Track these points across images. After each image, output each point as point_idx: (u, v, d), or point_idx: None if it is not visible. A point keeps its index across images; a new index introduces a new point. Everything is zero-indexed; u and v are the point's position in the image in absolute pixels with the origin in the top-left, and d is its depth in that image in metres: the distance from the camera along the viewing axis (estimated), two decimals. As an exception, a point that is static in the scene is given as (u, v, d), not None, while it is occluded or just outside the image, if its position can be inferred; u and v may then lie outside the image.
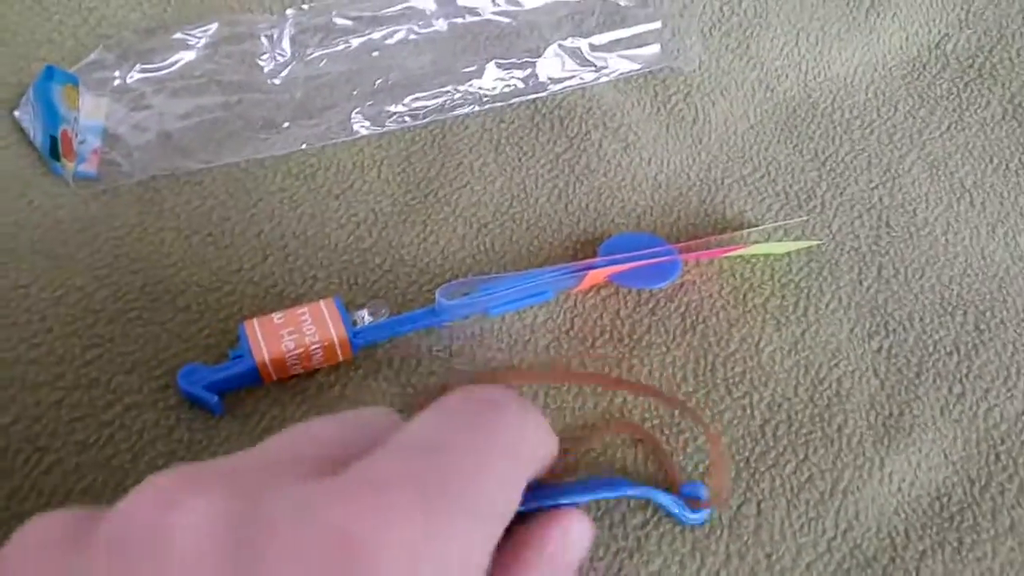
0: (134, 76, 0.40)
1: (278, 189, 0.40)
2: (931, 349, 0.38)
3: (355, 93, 0.41)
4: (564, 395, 0.35)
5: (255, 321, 0.33)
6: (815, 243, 0.40)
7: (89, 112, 0.38)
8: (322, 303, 0.34)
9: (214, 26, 0.41)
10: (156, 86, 0.40)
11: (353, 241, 0.39)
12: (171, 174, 0.39)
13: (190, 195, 0.39)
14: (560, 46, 0.43)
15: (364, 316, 0.35)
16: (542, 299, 0.37)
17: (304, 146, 0.40)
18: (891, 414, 0.36)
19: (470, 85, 0.42)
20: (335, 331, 0.33)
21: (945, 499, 0.34)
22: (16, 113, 0.39)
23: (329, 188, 0.40)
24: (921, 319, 0.39)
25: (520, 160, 0.42)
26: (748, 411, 0.35)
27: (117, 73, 0.40)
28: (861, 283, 0.39)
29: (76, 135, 0.37)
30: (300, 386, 0.34)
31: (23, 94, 0.40)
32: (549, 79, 0.42)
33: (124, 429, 0.33)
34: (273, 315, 0.33)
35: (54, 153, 0.38)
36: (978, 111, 0.46)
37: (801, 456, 0.34)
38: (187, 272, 0.37)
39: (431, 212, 0.40)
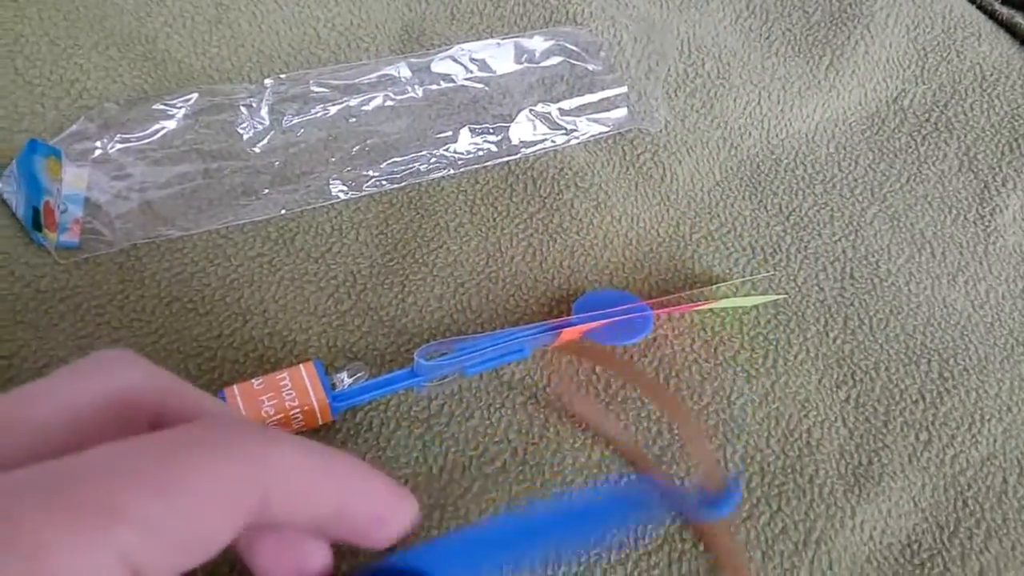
0: (115, 146, 0.41)
1: (257, 254, 0.41)
2: (897, 398, 0.39)
3: (333, 159, 0.42)
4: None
5: (235, 388, 0.34)
6: (780, 297, 0.41)
7: (70, 182, 0.39)
8: (302, 367, 0.35)
9: (194, 96, 0.42)
10: (137, 155, 0.41)
11: (332, 304, 0.39)
12: (152, 242, 0.40)
13: (171, 262, 0.40)
14: (531, 111, 0.44)
15: (344, 379, 0.36)
16: (519, 357, 0.38)
17: (283, 211, 0.41)
18: (860, 463, 0.37)
19: (445, 149, 0.43)
20: (315, 396, 0.34)
21: (915, 546, 0.35)
22: (-2, 185, 0.40)
23: (308, 252, 0.41)
24: (887, 368, 0.40)
25: (495, 220, 0.43)
26: (722, 463, 0.36)
27: (99, 143, 0.41)
28: (827, 334, 0.41)
29: (58, 206, 0.38)
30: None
31: (5, 166, 0.41)
32: (521, 142, 0.44)
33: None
34: (253, 381, 0.34)
35: (36, 224, 0.39)
36: (936, 163, 0.47)
37: (775, 507, 0.35)
38: (168, 339, 0.37)
39: (409, 273, 0.41)
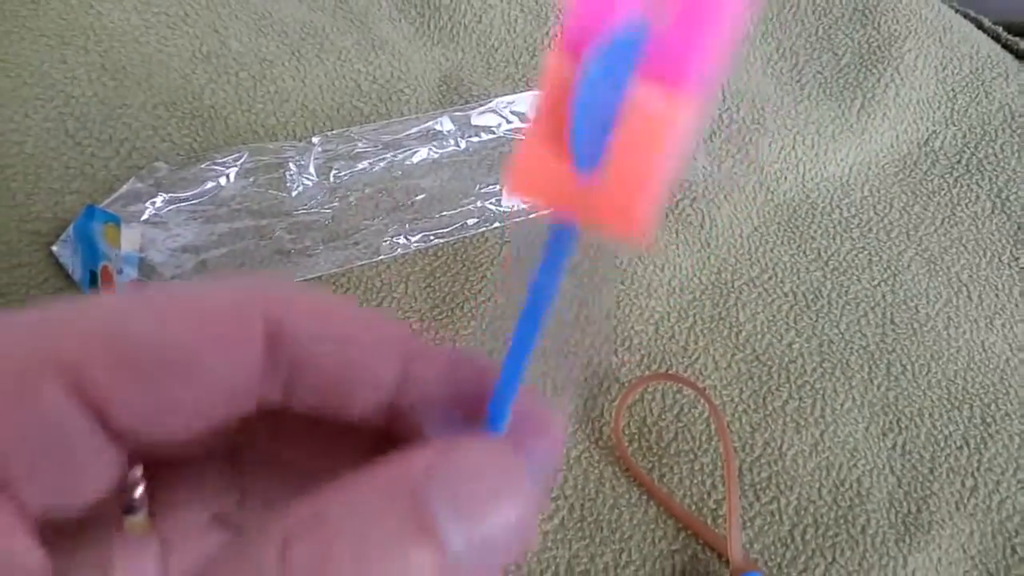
0: (167, 206, 0.42)
1: (310, 311, 0.41)
2: (942, 444, 0.40)
3: (381, 214, 0.43)
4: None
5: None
6: None
7: (125, 244, 0.40)
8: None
9: (243, 155, 0.43)
10: (189, 215, 0.42)
11: (386, 360, 0.40)
12: (207, 301, 0.41)
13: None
14: (574, 163, 0.45)
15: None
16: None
17: (334, 268, 0.42)
18: (910, 511, 0.38)
19: (491, 202, 0.44)
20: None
21: (968, 594, 0.36)
22: (54, 248, 0.41)
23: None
24: (931, 415, 0.41)
25: (540, 271, 0.44)
26: (777, 516, 0.37)
27: (150, 203, 0.42)
28: (872, 381, 0.41)
29: (118, 271, 0.39)
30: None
31: (60, 227, 0.41)
32: (565, 194, 0.44)
33: None
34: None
35: (94, 287, 0.39)
36: (969, 206, 0.48)
37: (829, 559, 0.36)
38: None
39: (458, 327, 0.42)
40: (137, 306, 0.15)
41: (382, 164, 0.44)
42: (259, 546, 0.13)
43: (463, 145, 0.45)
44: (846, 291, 0.44)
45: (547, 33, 0.52)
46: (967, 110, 0.51)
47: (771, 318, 0.43)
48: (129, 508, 0.16)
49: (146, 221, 0.42)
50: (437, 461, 0.14)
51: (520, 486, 0.14)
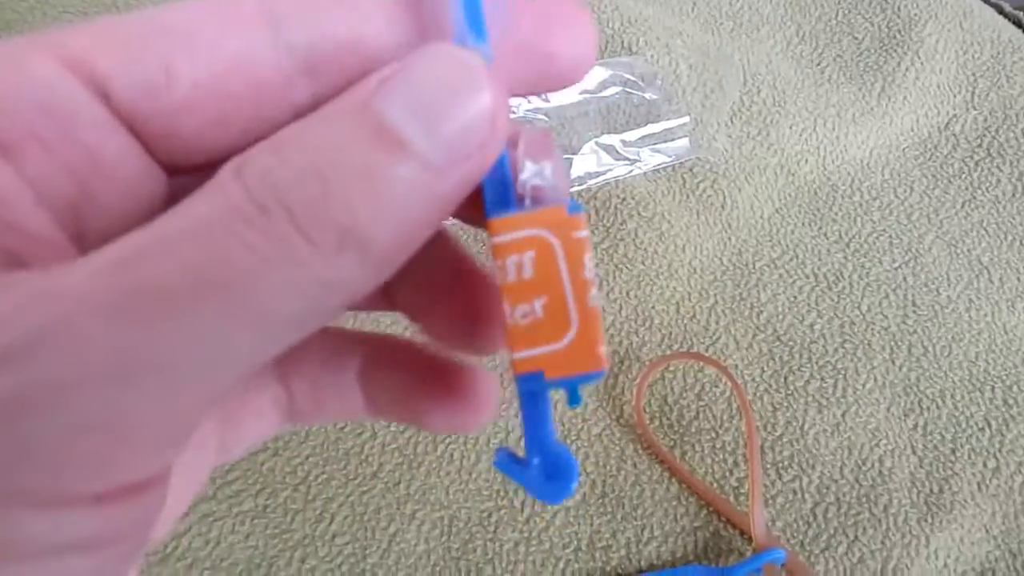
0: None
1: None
2: (964, 425, 0.40)
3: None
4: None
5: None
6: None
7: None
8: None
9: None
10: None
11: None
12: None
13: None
14: (596, 143, 0.45)
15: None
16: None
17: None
18: (932, 491, 0.38)
19: (512, 182, 0.44)
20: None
21: (989, 574, 0.36)
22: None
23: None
24: (952, 396, 0.41)
25: (560, 251, 0.44)
26: (799, 494, 0.37)
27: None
28: (894, 362, 0.41)
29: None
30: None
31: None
32: (586, 173, 0.44)
33: None
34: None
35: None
36: (989, 189, 0.48)
37: (852, 537, 0.36)
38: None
39: (479, 305, 0.42)
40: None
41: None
42: (216, 176, 0.13)
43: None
44: (867, 273, 0.44)
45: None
46: (988, 94, 0.51)
47: (792, 299, 0.43)
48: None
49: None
50: (389, 73, 0.13)
51: (480, 79, 0.13)
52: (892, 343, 0.42)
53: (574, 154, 0.45)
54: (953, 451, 0.39)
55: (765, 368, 0.40)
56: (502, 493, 0.36)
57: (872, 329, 0.42)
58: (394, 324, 0.37)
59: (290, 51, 0.14)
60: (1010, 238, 0.46)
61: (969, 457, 0.39)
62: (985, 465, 0.39)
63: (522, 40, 0.15)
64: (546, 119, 0.46)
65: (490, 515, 0.36)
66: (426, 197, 0.13)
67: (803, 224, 0.46)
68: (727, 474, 0.37)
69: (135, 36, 0.13)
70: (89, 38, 0.13)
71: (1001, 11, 0.56)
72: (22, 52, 0.13)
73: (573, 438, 0.38)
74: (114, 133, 0.13)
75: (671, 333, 0.41)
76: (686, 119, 0.46)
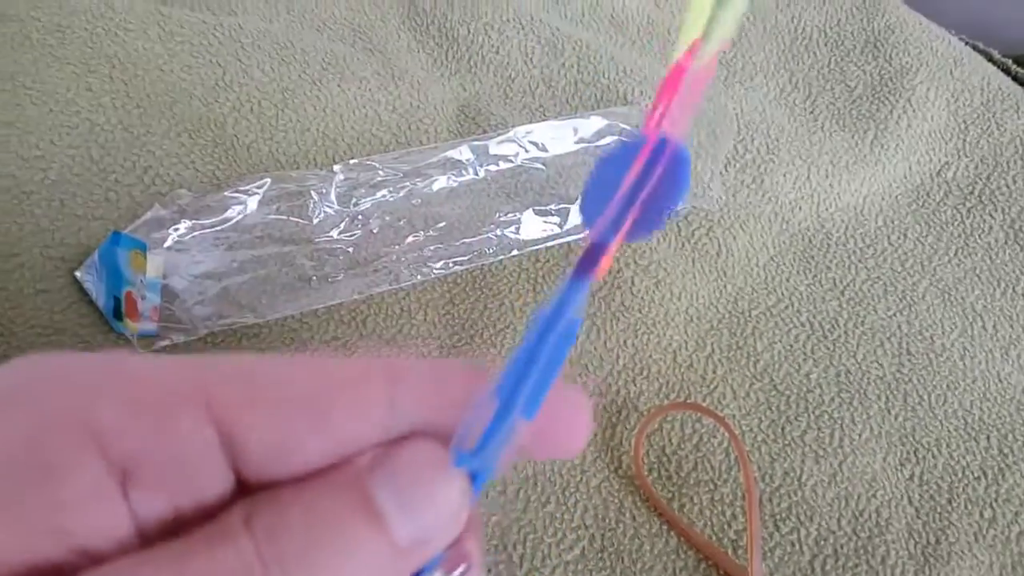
0: (190, 232, 0.42)
1: (332, 337, 0.42)
2: (960, 475, 0.40)
3: (400, 241, 0.43)
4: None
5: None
6: None
7: (150, 270, 0.40)
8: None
9: (266, 182, 0.43)
10: (212, 242, 0.42)
11: (406, 387, 0.40)
12: (228, 328, 0.41)
13: (248, 347, 0.41)
14: (593, 193, 0.45)
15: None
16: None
17: (356, 295, 0.42)
18: (929, 542, 0.38)
19: (511, 231, 0.44)
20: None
21: (988, 626, 0.36)
22: (78, 273, 0.41)
23: (380, 333, 0.42)
24: (948, 445, 0.41)
25: (558, 299, 0.44)
26: (797, 547, 0.37)
27: (173, 230, 0.42)
28: (889, 411, 0.42)
29: (141, 297, 0.39)
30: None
31: (84, 253, 0.42)
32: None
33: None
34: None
35: (117, 314, 0.40)
36: (982, 236, 0.48)
37: (850, 590, 0.36)
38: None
39: (476, 354, 0.42)
40: (269, 359, 0.17)
41: (402, 192, 0.45)
42: (227, 517, 0.15)
43: (481, 174, 0.46)
44: (862, 321, 0.45)
45: (563, 64, 0.53)
46: (979, 141, 0.52)
47: (788, 347, 0.43)
48: None
49: (169, 248, 0.42)
50: (379, 455, 0.16)
51: (448, 476, 0.16)
52: (888, 392, 0.42)
53: (570, 204, 0.45)
54: (949, 501, 0.39)
55: (762, 418, 0.41)
56: (500, 547, 0.36)
57: (868, 378, 0.43)
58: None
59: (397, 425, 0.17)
60: (1003, 285, 0.47)
61: (965, 507, 0.39)
62: (981, 515, 0.39)
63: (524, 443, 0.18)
64: (543, 168, 0.47)
65: (489, 571, 0.36)
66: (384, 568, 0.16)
67: (798, 272, 0.47)
68: (725, 526, 0.37)
69: (277, 401, 0.16)
70: (236, 393, 0.16)
71: (991, 59, 0.57)
72: (172, 404, 0.15)
73: (572, 490, 0.38)
74: (224, 472, 0.16)
75: (668, 382, 0.42)
76: (682, 169, 0.47)
